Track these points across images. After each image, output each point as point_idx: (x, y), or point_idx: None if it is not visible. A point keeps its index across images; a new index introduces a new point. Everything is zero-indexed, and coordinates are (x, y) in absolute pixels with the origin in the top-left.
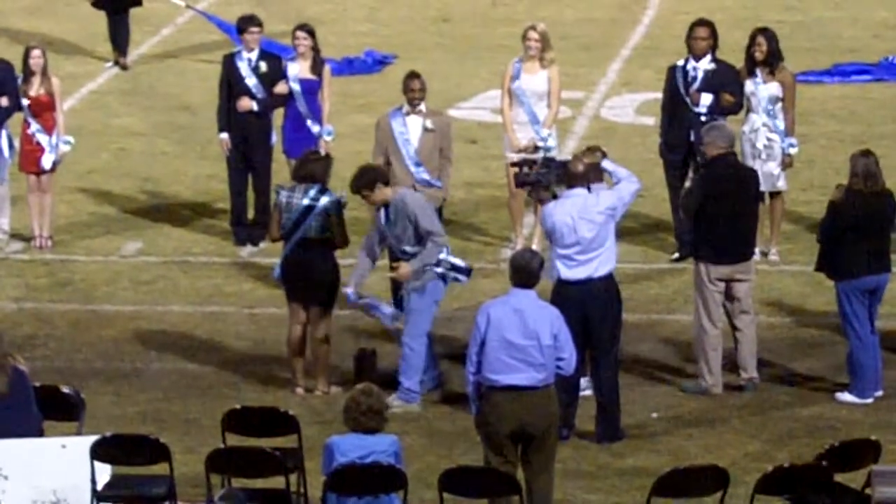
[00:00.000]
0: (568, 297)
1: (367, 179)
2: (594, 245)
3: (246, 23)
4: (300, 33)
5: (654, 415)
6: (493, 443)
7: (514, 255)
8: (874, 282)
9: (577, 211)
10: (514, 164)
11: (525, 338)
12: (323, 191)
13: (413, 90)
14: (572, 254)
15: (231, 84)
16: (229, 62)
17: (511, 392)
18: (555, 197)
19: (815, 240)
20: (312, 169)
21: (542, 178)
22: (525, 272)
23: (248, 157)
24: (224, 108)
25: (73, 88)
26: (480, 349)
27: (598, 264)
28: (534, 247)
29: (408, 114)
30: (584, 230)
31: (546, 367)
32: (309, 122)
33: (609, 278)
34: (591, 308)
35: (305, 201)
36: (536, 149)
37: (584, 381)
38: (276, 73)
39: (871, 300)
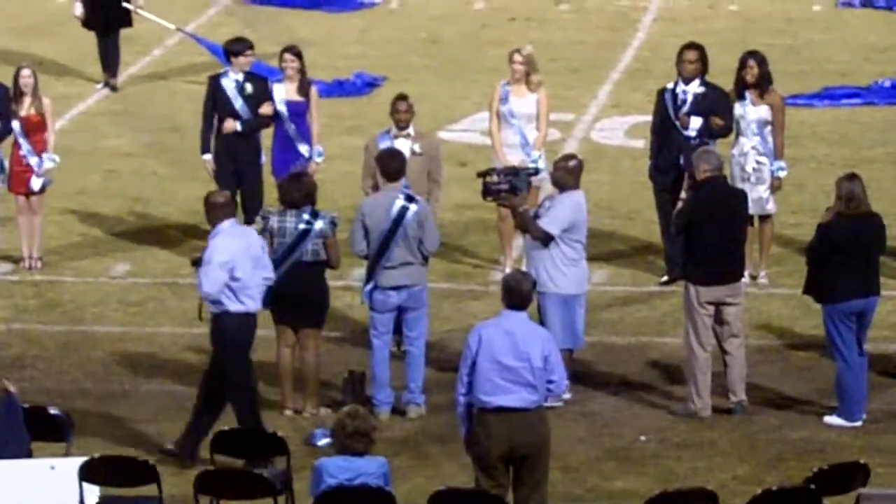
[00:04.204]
0: None
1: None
2: None
3: (241, 45)
4: (288, 56)
5: (643, 437)
6: (483, 465)
7: (505, 276)
8: (860, 305)
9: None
10: (480, 175)
11: (516, 359)
12: (315, 213)
13: (400, 111)
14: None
15: (217, 105)
16: (215, 84)
17: (502, 413)
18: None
19: (804, 263)
20: (303, 192)
21: (516, 184)
22: (516, 294)
23: (238, 177)
24: (207, 129)
25: (63, 109)
26: (471, 370)
27: None
28: (508, 269)
29: (396, 136)
30: None
31: (537, 389)
32: (298, 144)
33: None
34: None
35: (301, 225)
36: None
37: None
38: (263, 93)
39: (860, 323)
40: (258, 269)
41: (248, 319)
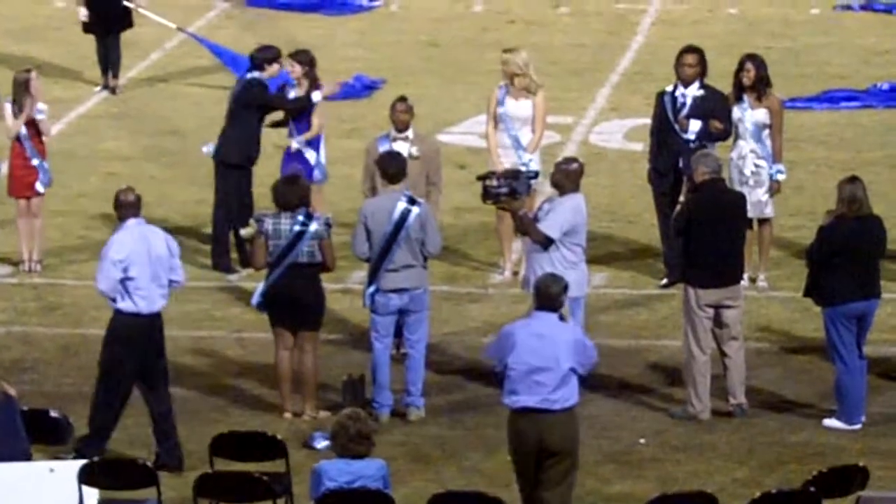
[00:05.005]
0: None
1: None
2: None
3: (274, 53)
4: (292, 60)
5: (642, 440)
6: (515, 462)
7: (536, 279)
8: (861, 308)
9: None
10: (480, 178)
11: (545, 361)
12: (309, 215)
13: (398, 112)
14: None
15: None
16: (264, 86)
17: (529, 414)
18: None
19: (803, 265)
20: (297, 194)
21: (517, 187)
22: (545, 296)
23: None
24: (294, 98)
25: (62, 112)
26: (504, 370)
27: None
28: (507, 272)
29: (394, 139)
30: None
31: (565, 390)
32: (304, 150)
33: None
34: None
35: (296, 227)
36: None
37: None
38: None
39: (860, 326)
40: (161, 271)
41: (140, 320)
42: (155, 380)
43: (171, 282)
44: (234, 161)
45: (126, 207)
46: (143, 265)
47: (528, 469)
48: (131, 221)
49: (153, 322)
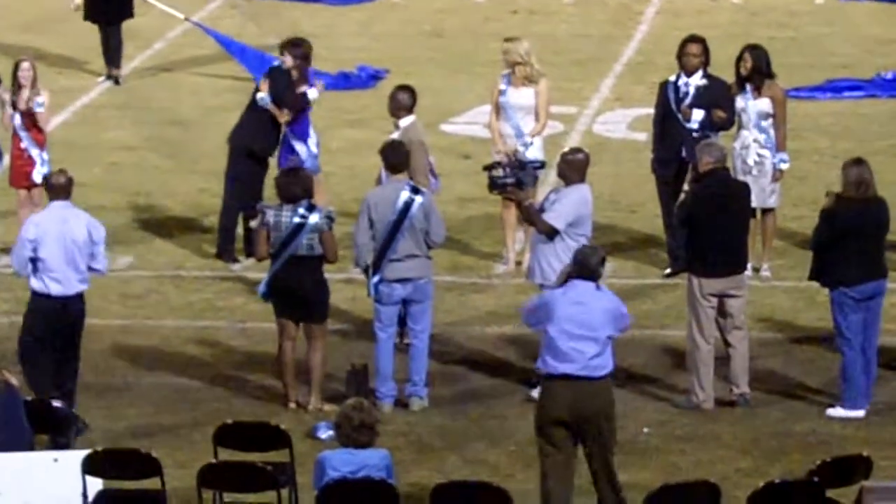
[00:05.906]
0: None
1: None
2: None
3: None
4: (284, 51)
5: (646, 430)
6: (541, 426)
7: (577, 249)
8: (869, 289)
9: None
10: (486, 168)
11: (583, 328)
12: (311, 207)
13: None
14: None
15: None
16: (282, 73)
17: (567, 380)
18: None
19: (807, 253)
20: (301, 186)
21: (522, 178)
22: (583, 265)
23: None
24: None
25: (65, 102)
26: (544, 334)
27: None
28: (511, 262)
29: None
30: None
31: (602, 358)
32: (293, 142)
33: None
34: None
35: (296, 219)
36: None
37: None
38: None
39: (869, 308)
40: (79, 256)
41: (50, 302)
42: (63, 363)
43: (91, 269)
44: (255, 149)
45: (56, 190)
46: (55, 247)
47: (555, 435)
48: (56, 203)
49: (65, 306)
